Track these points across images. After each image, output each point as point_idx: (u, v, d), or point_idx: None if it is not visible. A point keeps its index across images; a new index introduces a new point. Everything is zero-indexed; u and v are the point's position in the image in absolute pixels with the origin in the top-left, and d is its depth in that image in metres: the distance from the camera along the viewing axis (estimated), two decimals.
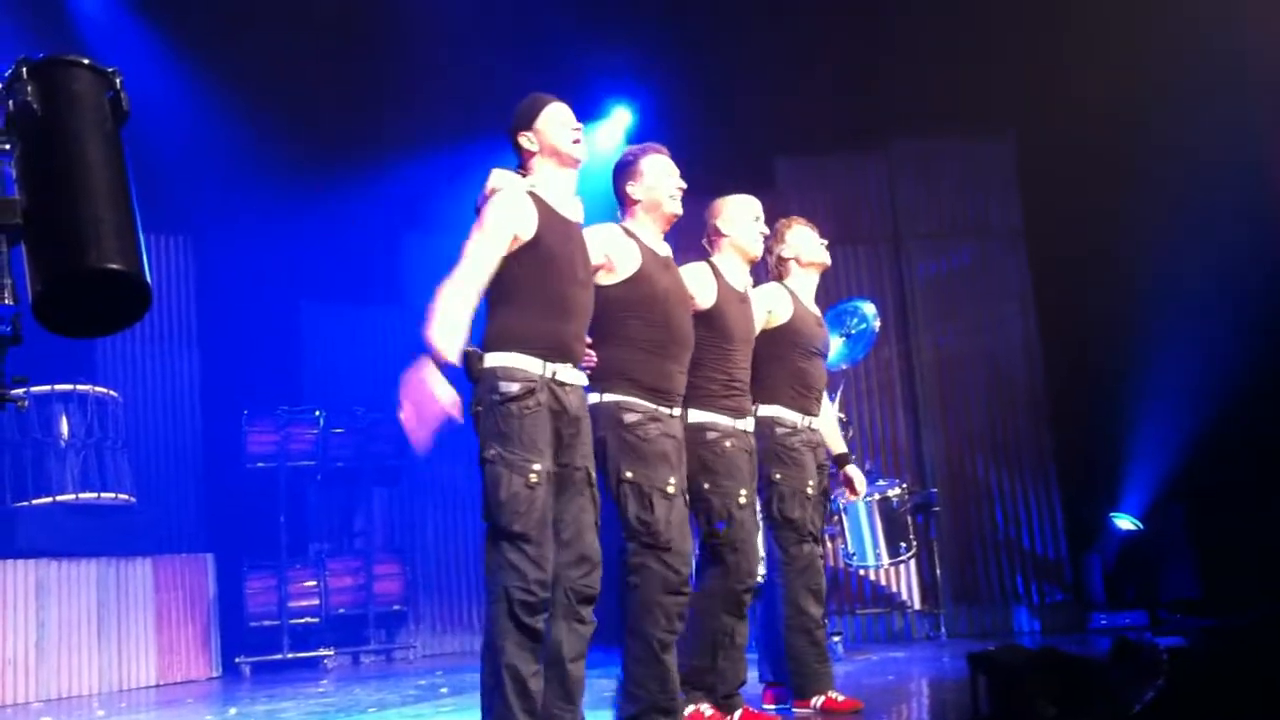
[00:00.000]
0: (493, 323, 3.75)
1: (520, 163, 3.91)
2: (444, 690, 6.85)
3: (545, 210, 3.78)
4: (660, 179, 4.36)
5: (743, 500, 4.47)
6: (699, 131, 9.55)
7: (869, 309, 7.43)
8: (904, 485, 7.74)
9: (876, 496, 7.52)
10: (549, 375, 3.67)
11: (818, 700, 4.83)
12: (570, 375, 3.76)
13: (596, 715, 3.82)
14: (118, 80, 2.56)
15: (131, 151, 2.53)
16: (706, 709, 4.02)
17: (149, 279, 2.43)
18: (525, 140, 3.89)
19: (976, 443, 9.02)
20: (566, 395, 3.72)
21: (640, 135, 10.38)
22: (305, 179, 9.22)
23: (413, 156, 9.46)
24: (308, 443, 9.22)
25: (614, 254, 4.15)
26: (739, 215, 4.85)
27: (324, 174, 9.25)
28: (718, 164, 9.53)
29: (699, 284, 4.60)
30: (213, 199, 9.27)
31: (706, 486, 4.41)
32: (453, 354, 3.50)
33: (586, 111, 10.23)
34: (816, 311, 5.24)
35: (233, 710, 6.53)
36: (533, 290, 3.71)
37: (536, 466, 3.57)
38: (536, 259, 3.71)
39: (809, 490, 4.91)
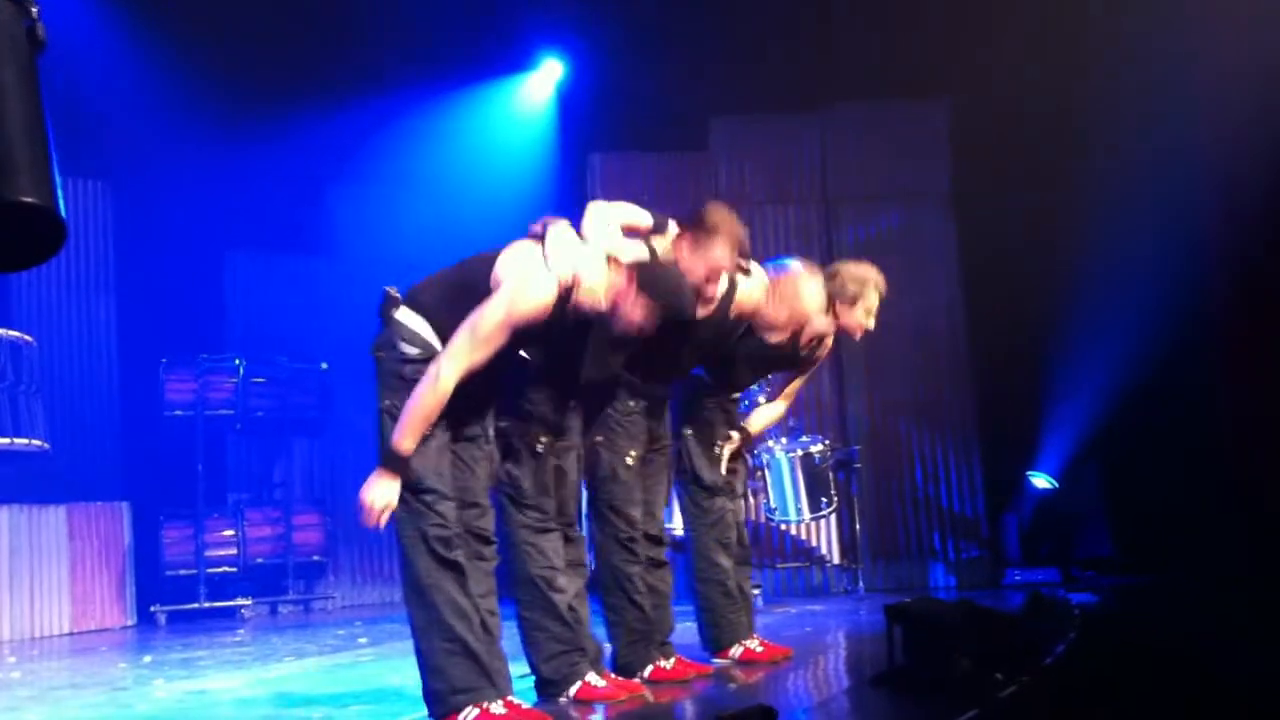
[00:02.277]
0: (426, 284, 3.78)
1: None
2: (363, 640, 6.83)
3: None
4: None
5: (629, 461, 4.48)
6: (632, 87, 9.51)
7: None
8: (827, 442, 7.81)
9: (799, 452, 7.59)
10: None
11: (736, 650, 4.87)
12: None
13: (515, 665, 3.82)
14: (34, 9, 2.48)
15: (50, 93, 2.46)
16: (594, 678, 4.01)
17: (64, 215, 2.37)
18: None
19: (899, 402, 9.12)
20: None
21: (572, 88, 10.32)
22: (230, 125, 9.04)
23: (340, 105, 9.32)
24: (227, 391, 9.10)
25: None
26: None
27: (249, 121, 9.08)
28: (650, 121, 9.53)
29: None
30: (134, 144, 9.06)
31: (599, 440, 4.40)
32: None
33: (516, 62, 10.27)
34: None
35: (148, 658, 6.47)
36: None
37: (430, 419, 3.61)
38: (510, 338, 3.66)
39: (717, 448, 4.94)
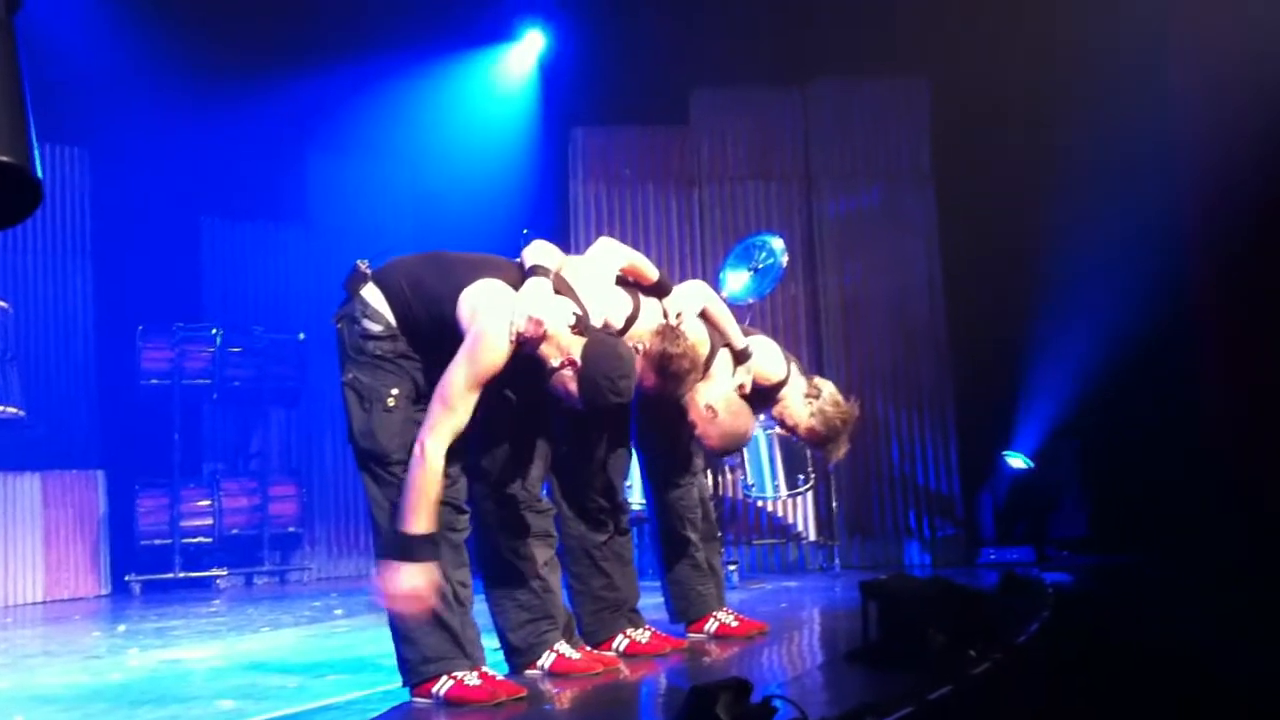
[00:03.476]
0: (401, 264, 3.78)
1: None
2: (338, 612, 6.82)
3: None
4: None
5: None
6: (614, 58, 9.47)
7: (777, 244, 7.46)
8: None
9: (777, 430, 7.58)
10: None
11: (711, 625, 4.88)
12: None
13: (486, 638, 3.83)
14: None
15: (27, 57, 2.42)
16: (567, 649, 4.01)
17: (40, 176, 2.34)
18: None
19: (877, 380, 9.13)
20: None
21: (554, 60, 10.27)
22: (207, 92, 8.96)
23: (319, 72, 9.25)
24: (204, 361, 9.07)
25: None
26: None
27: (227, 87, 9.00)
28: (632, 93, 9.49)
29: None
30: (111, 110, 8.97)
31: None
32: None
33: (497, 33, 10.21)
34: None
35: (122, 627, 6.45)
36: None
37: (395, 390, 3.63)
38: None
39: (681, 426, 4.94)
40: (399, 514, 3.44)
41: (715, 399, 4.51)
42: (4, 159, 2.25)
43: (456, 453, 3.72)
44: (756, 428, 7.07)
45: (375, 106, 9.79)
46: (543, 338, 3.61)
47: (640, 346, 4.13)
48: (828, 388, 4.93)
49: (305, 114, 9.64)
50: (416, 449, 3.45)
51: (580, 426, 4.41)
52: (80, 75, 8.42)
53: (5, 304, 8.19)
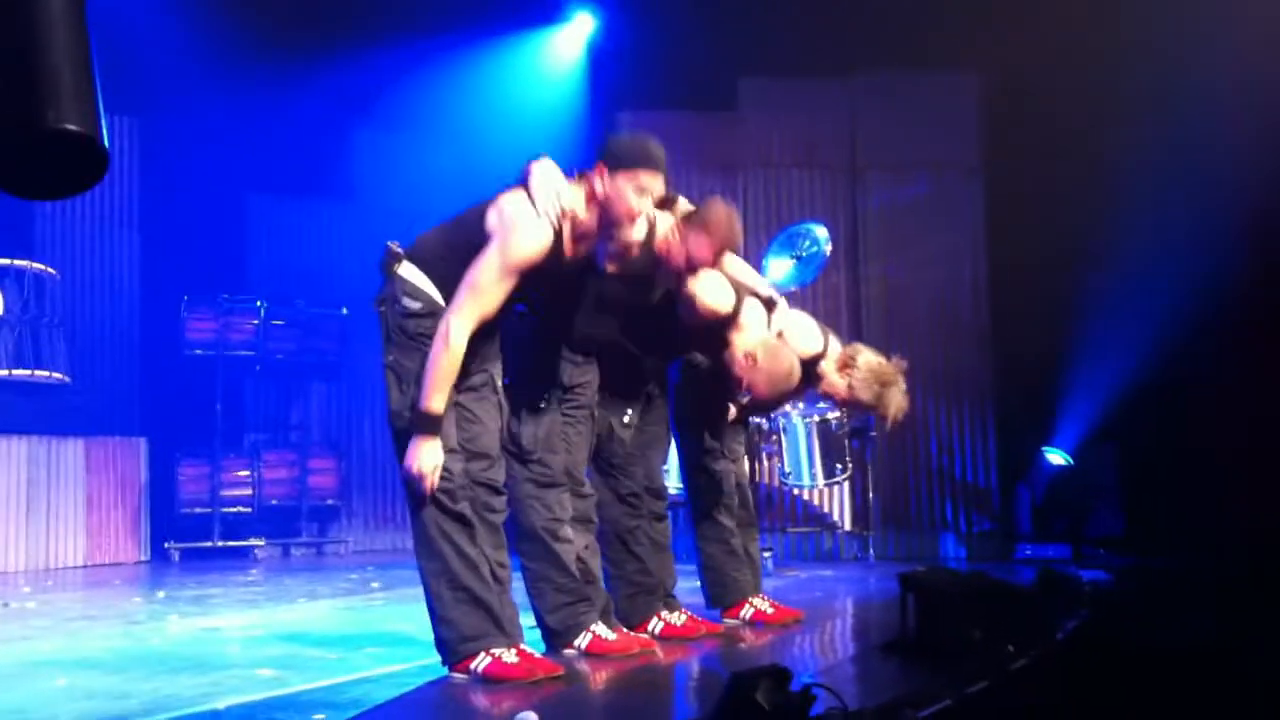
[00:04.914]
0: (430, 237, 3.79)
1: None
2: (375, 585, 6.87)
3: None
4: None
5: (625, 419, 4.49)
6: (663, 44, 9.45)
7: (821, 232, 7.43)
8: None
9: (816, 418, 7.58)
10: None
11: (747, 611, 4.89)
12: None
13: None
14: None
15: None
16: (604, 630, 4.04)
17: (106, 144, 2.37)
18: (599, 182, 3.73)
19: (916, 373, 8.91)
20: None
21: (603, 44, 10.25)
22: (257, 67, 9.00)
23: (368, 50, 9.28)
24: (248, 333, 9.15)
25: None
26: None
27: (277, 63, 9.04)
28: (679, 79, 9.46)
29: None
30: (162, 81, 9.03)
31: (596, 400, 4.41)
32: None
33: (547, 14, 10.20)
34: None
35: (161, 593, 6.52)
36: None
37: None
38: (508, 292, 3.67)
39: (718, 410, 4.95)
40: (420, 391, 3.52)
41: (751, 345, 4.43)
42: (74, 128, 2.29)
43: (490, 433, 3.73)
44: (796, 415, 7.08)
45: (424, 85, 9.80)
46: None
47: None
48: (864, 354, 4.83)
49: (354, 91, 9.66)
50: (441, 327, 3.54)
51: (612, 410, 4.42)
52: (132, 46, 8.46)
53: (53, 271, 8.29)
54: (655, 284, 4.27)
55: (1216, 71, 8.33)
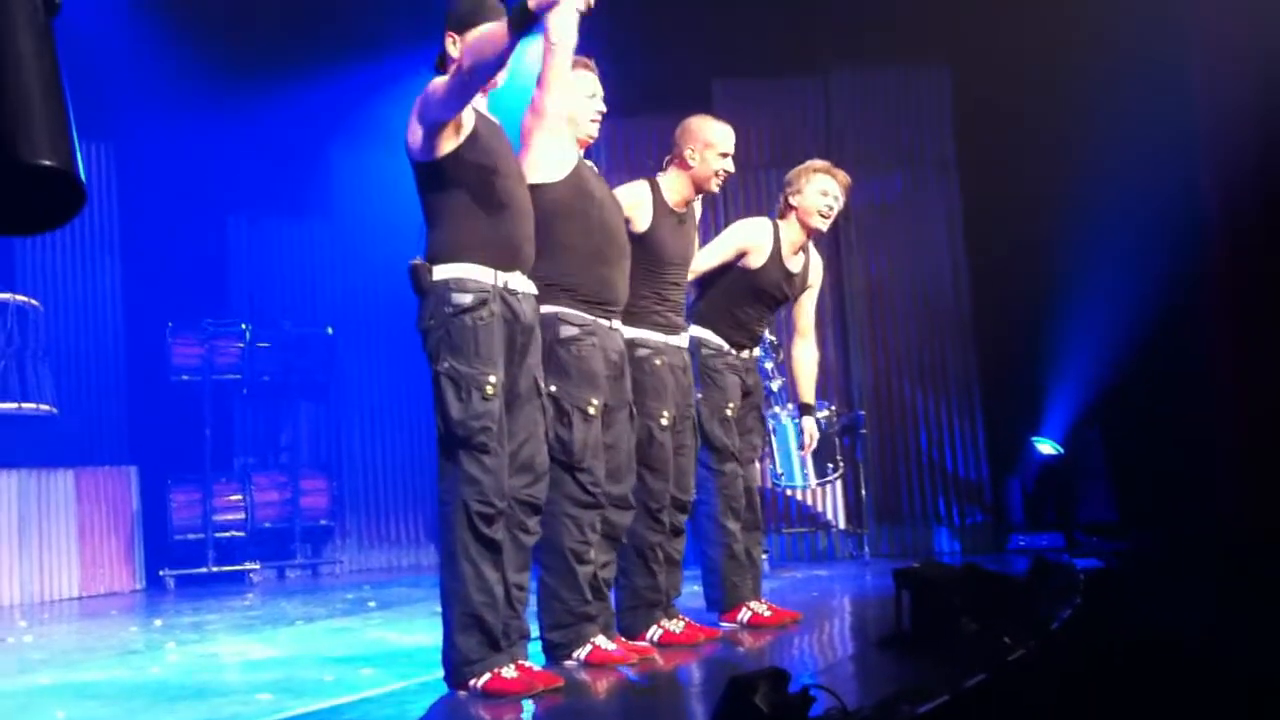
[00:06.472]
0: (438, 233, 3.67)
1: (438, 65, 3.77)
2: (372, 604, 6.86)
3: (476, 111, 3.72)
4: (582, 101, 4.24)
5: (664, 421, 4.49)
6: (636, 49, 9.45)
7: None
8: (833, 408, 7.81)
9: (805, 418, 7.57)
10: (501, 285, 3.64)
11: (744, 614, 4.90)
12: (521, 283, 3.73)
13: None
14: None
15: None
16: (604, 641, 4.04)
17: (82, 178, 2.37)
18: (453, 47, 3.71)
19: (903, 367, 9.13)
20: (519, 304, 3.70)
21: (575, 52, 10.24)
22: (231, 88, 8.98)
23: (342, 66, 9.27)
24: (233, 356, 9.13)
25: (550, 150, 4.08)
26: (711, 147, 4.70)
27: (250, 83, 9.02)
28: (654, 83, 9.46)
29: (635, 205, 4.56)
30: (136, 106, 9.01)
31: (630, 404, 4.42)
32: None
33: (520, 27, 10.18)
34: (791, 265, 5.17)
35: (158, 622, 6.50)
36: (475, 193, 3.63)
37: (492, 378, 3.56)
38: (475, 157, 3.63)
39: (728, 412, 4.95)
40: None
41: None
42: (46, 163, 2.28)
43: (538, 443, 3.73)
44: (786, 416, 7.09)
45: (398, 100, 9.76)
46: None
47: None
48: None
49: (329, 110, 9.64)
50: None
51: (648, 414, 4.43)
52: (106, 72, 8.45)
53: (35, 302, 8.26)
54: None
55: (1183, 57, 8.39)
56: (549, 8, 3.39)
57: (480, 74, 3.48)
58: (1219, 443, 8.27)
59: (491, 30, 3.45)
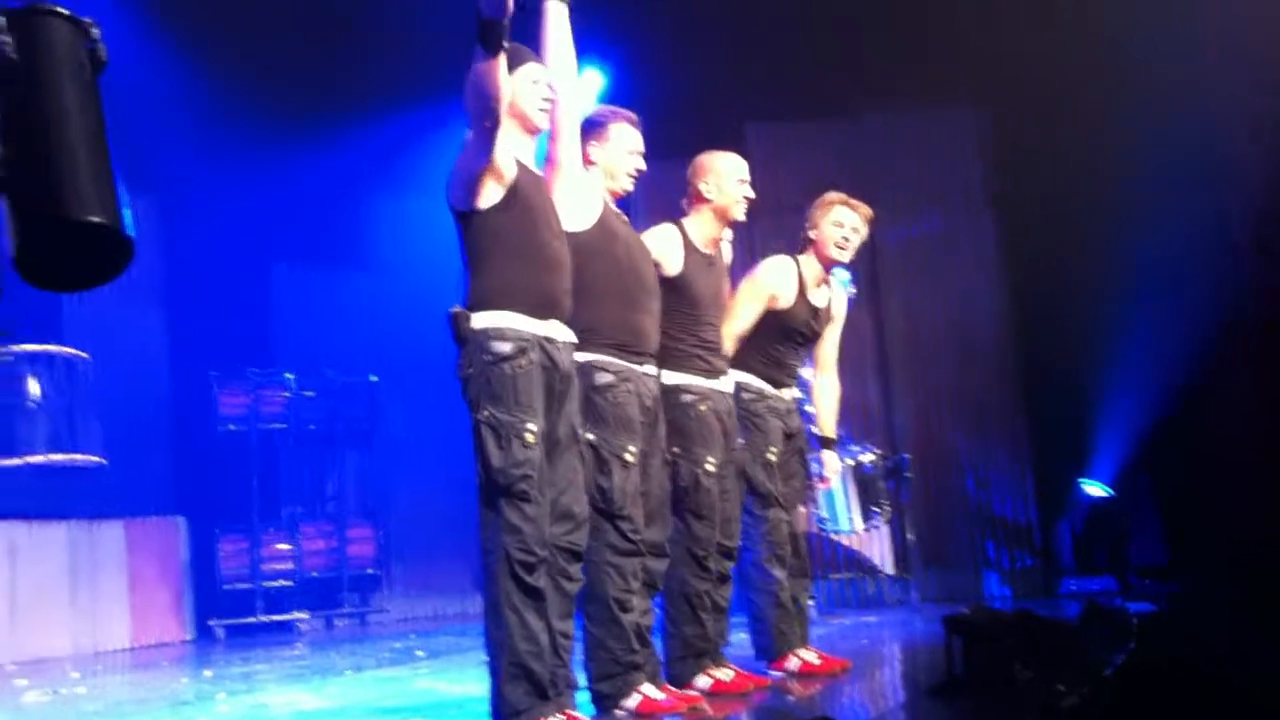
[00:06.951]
0: (477, 281, 3.68)
1: None
2: (419, 654, 6.85)
3: (519, 163, 3.74)
4: (622, 155, 4.29)
5: (710, 468, 4.47)
6: (670, 94, 9.49)
7: (843, 274, 7.43)
8: (878, 451, 7.75)
9: (850, 462, 7.52)
10: (540, 334, 3.65)
11: (794, 662, 4.85)
12: (560, 332, 3.75)
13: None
14: (94, 31, 2.51)
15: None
16: (652, 690, 4.01)
17: (131, 233, 2.39)
18: None
19: (947, 409, 9.06)
20: (558, 352, 3.71)
21: (612, 97, 10.31)
22: (275, 140, 9.11)
23: (381, 118, 9.37)
24: (279, 405, 9.19)
25: (572, 199, 4.09)
26: (725, 176, 4.76)
27: (292, 134, 9.14)
28: (688, 127, 9.48)
29: (665, 249, 4.56)
30: (181, 159, 9.12)
31: (676, 450, 4.40)
32: None
33: None
34: (816, 300, 5.18)
35: (209, 672, 6.52)
36: (515, 244, 3.66)
37: (532, 426, 3.57)
38: (517, 209, 3.67)
39: (770, 456, 4.91)
40: None
41: None
42: (95, 219, 2.31)
43: (578, 491, 3.73)
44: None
45: (438, 149, 9.86)
46: None
47: None
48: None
49: (370, 160, 9.74)
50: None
51: (694, 460, 4.43)
52: (150, 125, 8.57)
53: (84, 354, 8.34)
54: None
55: (1221, 86, 8.33)
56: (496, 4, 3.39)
57: (482, 108, 3.53)
58: (1267, 478, 8.13)
59: (474, 64, 3.49)
